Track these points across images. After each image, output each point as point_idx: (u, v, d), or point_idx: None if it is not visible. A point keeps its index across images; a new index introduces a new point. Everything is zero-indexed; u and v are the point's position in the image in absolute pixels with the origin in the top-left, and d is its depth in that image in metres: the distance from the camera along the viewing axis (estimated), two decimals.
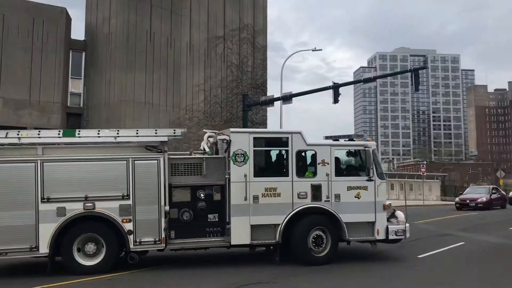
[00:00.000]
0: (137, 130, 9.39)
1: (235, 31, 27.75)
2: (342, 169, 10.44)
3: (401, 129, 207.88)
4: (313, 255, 9.99)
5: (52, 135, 9.15)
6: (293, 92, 24.12)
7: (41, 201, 8.77)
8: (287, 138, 10.17)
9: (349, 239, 10.27)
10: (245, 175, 9.73)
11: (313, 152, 10.20)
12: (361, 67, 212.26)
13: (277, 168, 10.20)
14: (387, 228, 10.47)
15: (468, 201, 29.97)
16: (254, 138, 9.96)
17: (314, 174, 10.13)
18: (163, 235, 9.18)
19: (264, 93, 27.21)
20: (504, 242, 14.14)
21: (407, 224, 10.84)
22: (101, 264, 9.02)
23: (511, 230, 17.47)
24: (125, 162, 9.12)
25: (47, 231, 8.73)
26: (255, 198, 9.77)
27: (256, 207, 9.72)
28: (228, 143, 9.79)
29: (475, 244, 13.89)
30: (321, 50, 34.51)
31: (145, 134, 9.33)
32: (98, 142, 9.21)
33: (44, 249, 8.75)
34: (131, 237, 9.08)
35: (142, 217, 9.10)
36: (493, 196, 30.95)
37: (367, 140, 10.97)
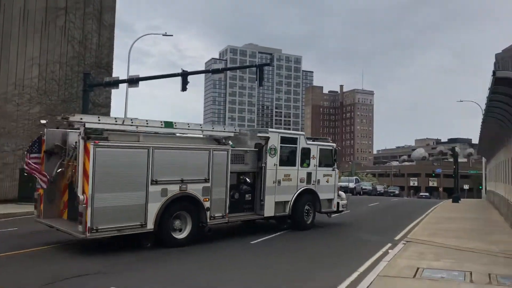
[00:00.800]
0: (213, 126, 12.50)
1: (79, 3, 25.54)
2: (321, 162, 15.50)
3: (247, 122, 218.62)
4: (305, 222, 14.80)
5: (156, 125, 10.90)
6: (142, 76, 23.36)
7: (150, 183, 10.54)
8: (297, 138, 14.90)
9: (321, 211, 15.56)
10: (275, 164, 13.88)
11: (309, 149, 15.12)
12: (213, 58, 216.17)
13: (291, 160, 14.48)
14: (338, 203, 16.29)
15: None
16: (281, 137, 14.24)
17: (308, 165, 15.03)
18: (227, 211, 12.28)
19: (109, 74, 25.67)
20: (331, 228, 15.98)
21: (346, 201, 16.85)
22: (188, 237, 11.40)
23: (330, 218, 19.78)
24: (208, 152, 11.83)
25: (153, 210, 10.56)
26: (279, 181, 14.02)
27: (278, 188, 13.96)
28: (267, 139, 13.74)
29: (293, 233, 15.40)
30: (171, 35, 34.45)
31: (218, 129, 12.52)
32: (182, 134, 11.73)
33: (150, 225, 10.53)
34: (208, 213, 11.77)
35: (216, 197, 11.99)
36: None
37: (331, 142, 16.24)
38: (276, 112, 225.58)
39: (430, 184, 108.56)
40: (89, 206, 9.56)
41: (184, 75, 23.02)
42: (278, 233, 14.06)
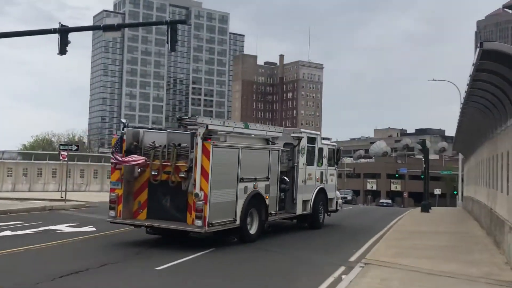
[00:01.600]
0: (269, 127, 17.92)
1: None
2: (329, 161, 21.93)
3: (152, 101, 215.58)
4: (320, 221, 21.25)
5: (237, 126, 16.03)
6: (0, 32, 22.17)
7: (239, 181, 15.34)
8: (316, 137, 20.98)
9: (328, 209, 22.16)
10: (304, 164, 19.75)
11: (322, 148, 21.30)
12: (105, 10, 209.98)
13: (312, 160, 20.52)
14: (336, 202, 23.14)
15: None
16: (308, 137, 20.23)
17: (321, 164, 21.32)
18: (278, 208, 17.77)
19: None
20: (260, 247, 16.01)
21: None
22: (257, 233, 16.49)
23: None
24: (268, 151, 16.89)
25: (239, 206, 15.29)
26: (304, 180, 19.89)
27: (305, 187, 19.79)
28: (300, 139, 19.57)
29: (228, 251, 15.40)
30: None
31: (273, 130, 17.91)
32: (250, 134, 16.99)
33: (237, 221, 15.35)
34: (267, 210, 16.88)
35: (272, 195, 17.02)
36: None
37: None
38: (193, 88, 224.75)
39: (393, 187, 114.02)
40: (208, 202, 14.16)
41: (63, 31, 22.15)
42: (200, 253, 13.92)
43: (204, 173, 14.19)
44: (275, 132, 18.06)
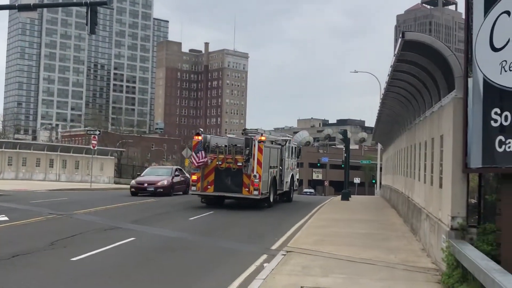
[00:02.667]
0: (282, 135, 32.76)
1: None
2: (295, 156, 32.85)
3: (72, 86, 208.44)
4: (291, 196, 32.28)
5: (270, 134, 30.10)
6: None
7: (269, 168, 25.71)
8: (290, 139, 31.47)
9: (294, 188, 33.80)
10: (287, 157, 30.01)
11: (292, 147, 31.58)
12: None
13: (289, 154, 30.60)
14: (295, 183, 34.35)
15: (146, 184, 32.26)
16: (288, 139, 30.98)
17: (292, 158, 31.73)
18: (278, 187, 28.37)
19: None
20: (181, 236, 15.80)
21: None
22: (273, 202, 26.94)
23: (191, 221, 19.76)
24: (276, 149, 27.78)
25: (268, 184, 25.96)
26: (287, 168, 29.94)
27: (287, 173, 29.89)
28: (286, 141, 29.90)
29: (148, 240, 15.03)
30: None
31: (278, 136, 31.11)
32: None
33: (268, 193, 26.00)
34: (276, 187, 27.70)
35: (277, 177, 27.61)
36: (176, 179, 34.13)
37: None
38: (115, 74, 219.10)
39: (314, 176, 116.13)
40: (261, 180, 23.94)
41: None
42: (117, 243, 13.51)
43: (258, 163, 24.24)
44: (279, 137, 30.60)
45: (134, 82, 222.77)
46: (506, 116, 8.58)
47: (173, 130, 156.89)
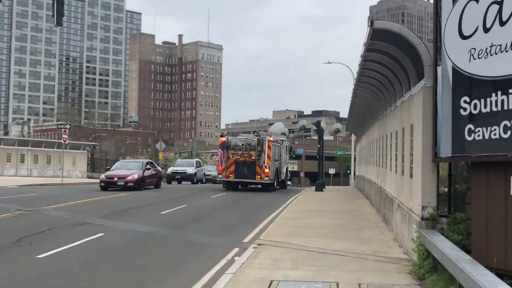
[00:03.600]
0: (281, 137, 47.03)
1: None
2: (288, 152, 43.71)
3: (43, 80, 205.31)
4: (285, 184, 41.67)
5: (277, 136, 48.36)
6: None
7: (274, 161, 34.93)
8: (285, 139, 46.73)
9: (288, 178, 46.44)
10: (284, 153, 39.93)
11: (286, 145, 41.85)
12: None
13: (285, 151, 40.65)
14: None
15: (116, 178, 31.58)
16: (284, 139, 44.59)
17: (286, 153, 41.44)
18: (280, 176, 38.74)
19: None
20: (151, 231, 15.55)
21: None
22: (276, 187, 36.92)
23: (163, 215, 19.50)
24: (279, 146, 37.07)
25: (274, 173, 35.77)
26: (284, 162, 40.32)
27: (283, 165, 39.93)
28: (283, 140, 42.02)
29: (117, 235, 14.76)
30: None
31: (282, 137, 48.98)
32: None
33: (273, 180, 35.65)
34: (278, 176, 37.50)
35: (278, 168, 36.86)
36: (147, 172, 33.54)
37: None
38: (88, 67, 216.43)
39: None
40: (270, 169, 33.21)
41: None
42: (84, 240, 13.21)
43: (268, 157, 33.09)
44: (282, 138, 42.36)
45: (107, 75, 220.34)
46: (475, 105, 8.50)
47: (147, 123, 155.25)
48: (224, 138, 34.20)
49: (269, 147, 33.48)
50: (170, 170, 48.69)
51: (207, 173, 51.81)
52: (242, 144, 34.14)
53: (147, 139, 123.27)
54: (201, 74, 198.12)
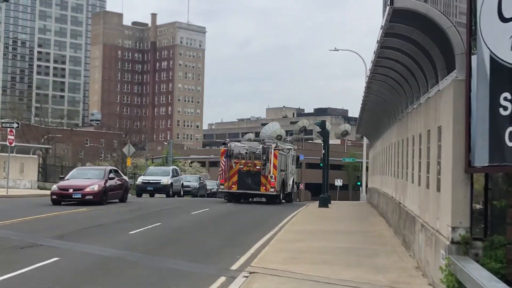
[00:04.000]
0: (287, 145, 49.52)
1: None
2: (295, 162, 48.13)
3: None
4: (292, 197, 46.77)
5: (283, 144, 49.96)
6: None
7: (280, 171, 39.32)
8: (292, 148, 49.25)
9: (295, 190, 52.19)
10: (290, 163, 45.10)
11: (293, 155, 46.76)
12: None
13: (291, 161, 45.75)
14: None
15: (71, 190, 31.18)
16: (291, 148, 48.45)
17: (293, 164, 46.29)
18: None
19: None
20: (118, 254, 15.48)
21: None
22: (282, 199, 41.62)
23: (132, 235, 19.42)
24: (285, 156, 41.78)
25: (280, 184, 40.11)
26: (291, 173, 45.14)
27: (290, 176, 44.90)
28: (290, 149, 46.01)
29: (75, 260, 14.69)
30: None
31: (288, 146, 49.43)
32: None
33: (279, 192, 40.20)
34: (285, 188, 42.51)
35: (288, 182, 43.79)
36: (110, 182, 33.07)
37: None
38: (39, 53, 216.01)
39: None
40: (276, 180, 37.28)
41: None
42: (31, 267, 13.10)
43: (274, 166, 36.63)
44: (284, 146, 44.21)
45: (64, 62, 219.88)
46: None
47: (112, 122, 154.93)
48: (225, 150, 38.39)
49: (275, 156, 37.33)
50: (140, 180, 48.76)
51: (185, 183, 51.66)
52: (246, 153, 37.44)
53: (112, 142, 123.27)
54: (179, 63, 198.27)
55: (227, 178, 37.18)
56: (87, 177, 32.78)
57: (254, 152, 37.38)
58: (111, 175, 33.94)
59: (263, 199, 39.29)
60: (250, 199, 39.93)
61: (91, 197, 30.74)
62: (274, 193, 37.16)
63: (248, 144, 39.92)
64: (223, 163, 37.69)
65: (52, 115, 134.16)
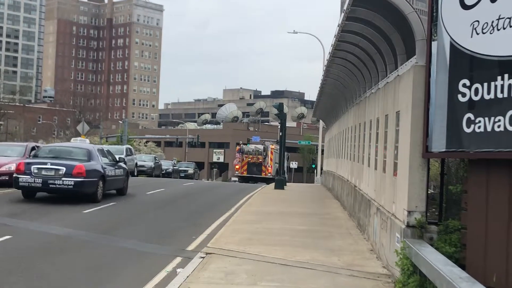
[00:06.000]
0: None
1: None
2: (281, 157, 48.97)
3: None
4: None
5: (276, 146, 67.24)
6: None
7: (274, 162, 60.94)
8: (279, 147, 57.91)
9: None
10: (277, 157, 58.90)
11: (277, 149, 57.63)
12: None
13: (280, 155, 49.27)
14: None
15: None
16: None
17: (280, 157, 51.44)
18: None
19: None
20: (71, 234, 15.35)
21: None
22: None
23: (86, 214, 19.25)
24: (278, 153, 49.94)
25: (275, 170, 60.50)
26: (276, 163, 61.73)
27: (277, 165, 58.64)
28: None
29: (29, 238, 14.58)
30: None
31: (277, 147, 59.21)
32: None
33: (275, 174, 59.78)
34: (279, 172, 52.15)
35: (277, 167, 54.17)
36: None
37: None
38: None
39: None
40: (272, 168, 61.60)
41: None
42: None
43: (271, 159, 61.68)
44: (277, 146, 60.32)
45: (17, 37, 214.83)
46: (476, 89, 8.58)
47: (66, 99, 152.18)
48: (239, 146, 65.28)
49: (271, 152, 61.46)
50: None
51: (140, 163, 50.96)
52: (253, 150, 63.21)
53: (65, 119, 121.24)
54: (135, 41, 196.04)
55: (241, 166, 62.35)
56: (5, 155, 27.99)
57: (258, 150, 62.91)
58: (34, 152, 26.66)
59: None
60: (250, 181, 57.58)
61: (6, 178, 25.40)
62: (270, 177, 57.11)
63: (254, 145, 67.03)
64: (238, 156, 63.37)
65: (4, 91, 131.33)
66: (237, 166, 62.83)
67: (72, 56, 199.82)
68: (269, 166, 60.36)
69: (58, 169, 21.61)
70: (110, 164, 24.66)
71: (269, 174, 59.06)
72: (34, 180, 21.40)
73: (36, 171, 21.51)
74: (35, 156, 23.98)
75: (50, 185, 21.57)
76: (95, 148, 25.13)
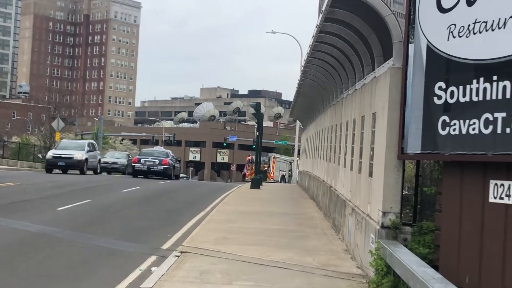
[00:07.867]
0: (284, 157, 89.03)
1: None
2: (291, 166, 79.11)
3: None
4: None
5: (281, 156, 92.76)
6: None
7: (279, 171, 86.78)
8: (287, 159, 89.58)
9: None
10: (290, 167, 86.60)
11: (290, 162, 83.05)
12: None
13: (289, 165, 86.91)
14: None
15: None
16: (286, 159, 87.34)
17: (291, 166, 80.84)
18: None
19: None
20: (44, 231, 15.30)
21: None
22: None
23: (60, 212, 19.13)
24: (285, 163, 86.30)
25: (280, 177, 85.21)
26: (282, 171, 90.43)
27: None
28: (292, 162, 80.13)
29: (2, 235, 14.53)
30: None
31: (289, 159, 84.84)
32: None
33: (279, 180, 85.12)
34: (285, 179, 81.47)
35: (286, 175, 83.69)
36: None
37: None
38: None
39: (219, 158, 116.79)
40: (274, 174, 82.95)
41: None
42: None
43: (274, 167, 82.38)
44: (285, 157, 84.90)
45: None
46: (452, 92, 8.65)
47: (41, 95, 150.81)
48: (250, 157, 76.90)
49: (273, 162, 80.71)
50: (50, 154, 43.83)
51: (103, 160, 48.81)
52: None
53: (40, 116, 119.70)
54: (112, 38, 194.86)
55: (251, 173, 68.65)
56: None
57: (264, 160, 73.95)
58: None
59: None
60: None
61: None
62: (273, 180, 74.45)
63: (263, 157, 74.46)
64: (249, 165, 78.82)
65: None
66: (247, 173, 79.85)
67: (48, 52, 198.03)
68: (271, 172, 79.72)
69: (155, 161, 44.42)
70: (174, 160, 47.68)
71: (271, 180, 74.70)
72: (142, 166, 44.19)
73: (143, 161, 44.27)
74: (139, 155, 47.88)
75: (151, 169, 44.02)
76: (170, 152, 49.37)
